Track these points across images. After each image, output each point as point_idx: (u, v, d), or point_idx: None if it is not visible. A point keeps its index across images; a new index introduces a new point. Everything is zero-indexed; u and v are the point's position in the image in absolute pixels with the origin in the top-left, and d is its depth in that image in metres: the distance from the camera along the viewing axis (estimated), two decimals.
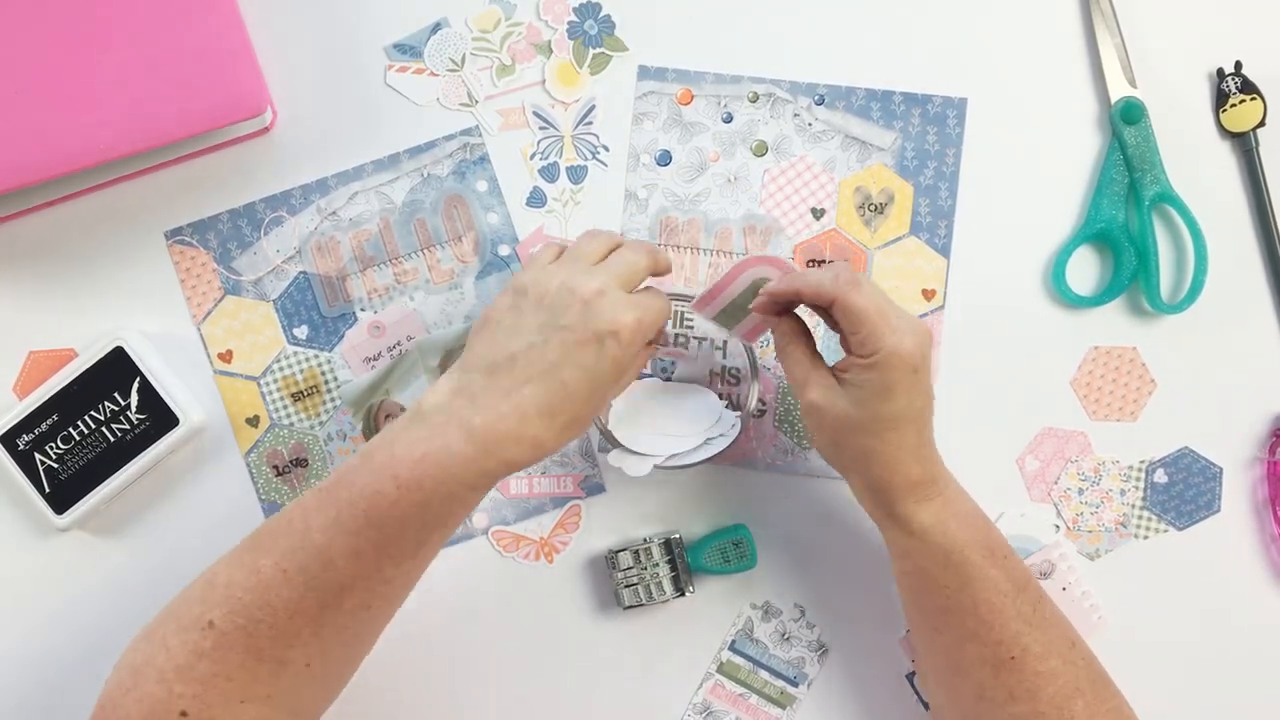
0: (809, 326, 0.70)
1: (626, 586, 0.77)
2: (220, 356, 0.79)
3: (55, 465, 0.76)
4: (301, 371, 0.79)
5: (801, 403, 0.68)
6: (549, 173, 0.80)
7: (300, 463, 0.79)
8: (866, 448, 0.66)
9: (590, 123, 0.80)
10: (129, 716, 0.62)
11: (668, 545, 0.77)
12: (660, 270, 0.70)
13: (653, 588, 0.77)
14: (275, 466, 0.79)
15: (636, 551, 0.77)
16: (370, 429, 0.79)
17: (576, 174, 0.80)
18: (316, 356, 0.80)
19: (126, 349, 0.76)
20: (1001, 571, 0.66)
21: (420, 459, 0.62)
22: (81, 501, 0.76)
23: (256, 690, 0.62)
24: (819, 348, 0.70)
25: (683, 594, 0.77)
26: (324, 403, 0.79)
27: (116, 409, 0.76)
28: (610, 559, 0.77)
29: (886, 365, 0.64)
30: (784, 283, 0.68)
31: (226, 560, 0.64)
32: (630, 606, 0.77)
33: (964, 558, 0.66)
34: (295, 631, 0.62)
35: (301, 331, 0.79)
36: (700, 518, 0.79)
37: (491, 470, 0.63)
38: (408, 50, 0.80)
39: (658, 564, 0.77)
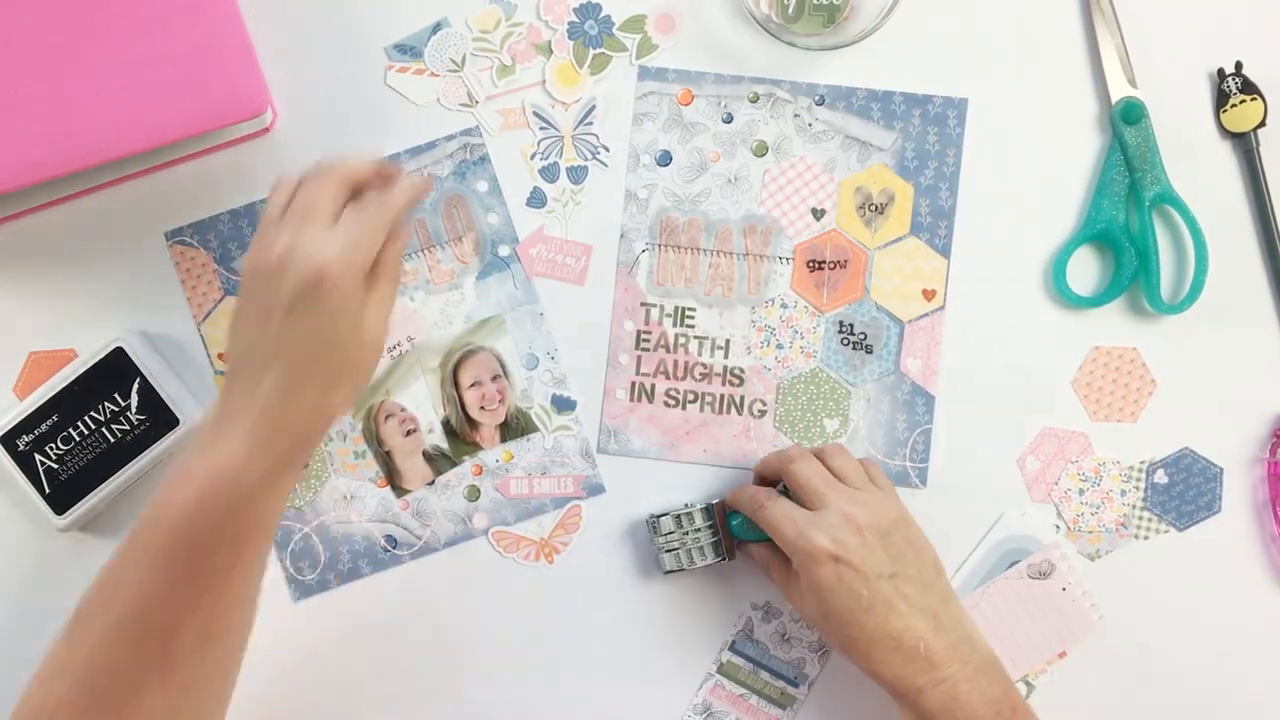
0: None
1: (668, 551, 0.76)
2: (221, 357, 0.79)
3: (55, 466, 0.76)
4: None
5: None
6: (549, 173, 0.80)
7: None
8: (840, 641, 0.69)
9: (590, 123, 0.80)
10: None
11: (708, 511, 0.77)
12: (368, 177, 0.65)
13: (694, 552, 0.76)
14: None
15: (678, 516, 0.76)
16: (370, 429, 0.79)
17: (577, 174, 0.80)
18: None
19: (126, 350, 0.76)
20: None
21: (202, 479, 0.60)
22: (82, 502, 0.76)
23: None
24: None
25: (723, 559, 0.77)
26: None
27: (117, 410, 0.76)
28: (652, 524, 0.77)
29: (802, 567, 0.69)
30: (730, 497, 0.76)
31: (59, 640, 0.63)
32: (671, 571, 0.77)
33: None
34: (142, 682, 0.60)
35: None
36: None
37: (271, 471, 0.61)
38: (408, 50, 0.80)
39: (699, 529, 0.76)
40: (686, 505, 0.77)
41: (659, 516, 0.77)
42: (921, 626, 0.67)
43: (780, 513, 0.70)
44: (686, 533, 0.76)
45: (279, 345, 0.61)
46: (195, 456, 0.62)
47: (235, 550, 0.62)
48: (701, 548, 0.76)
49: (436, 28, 0.80)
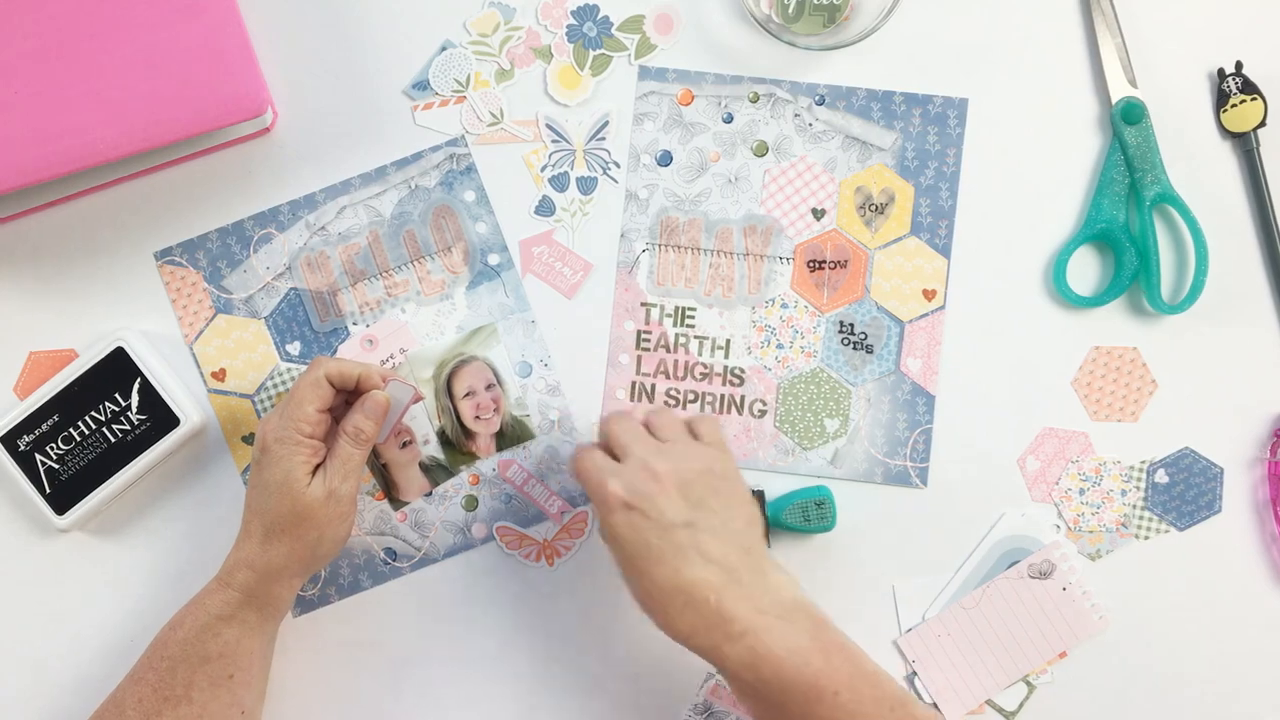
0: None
1: None
2: (214, 375, 0.79)
3: (56, 466, 0.76)
4: None
5: None
6: (559, 182, 0.80)
7: None
8: (638, 597, 0.66)
9: (604, 138, 0.80)
10: None
11: None
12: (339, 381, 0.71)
13: None
14: None
15: None
16: None
17: (586, 185, 0.80)
18: None
19: (127, 349, 0.76)
20: (827, 707, 0.62)
21: (188, 602, 0.71)
22: (82, 502, 0.76)
23: None
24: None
25: None
26: None
27: (117, 409, 0.76)
28: None
29: (599, 515, 0.67)
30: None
31: None
32: None
33: (785, 698, 0.63)
34: None
35: (294, 348, 0.79)
36: None
37: (231, 600, 0.69)
38: (425, 87, 0.79)
39: None
40: None
41: None
42: (714, 578, 0.63)
43: (588, 464, 0.68)
44: None
45: (246, 499, 0.72)
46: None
47: (187, 671, 0.69)
48: None
49: (441, 49, 0.79)
